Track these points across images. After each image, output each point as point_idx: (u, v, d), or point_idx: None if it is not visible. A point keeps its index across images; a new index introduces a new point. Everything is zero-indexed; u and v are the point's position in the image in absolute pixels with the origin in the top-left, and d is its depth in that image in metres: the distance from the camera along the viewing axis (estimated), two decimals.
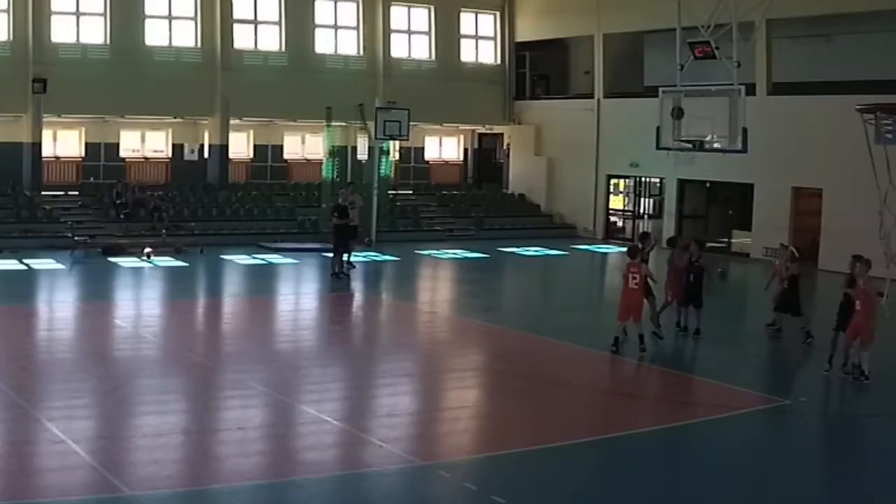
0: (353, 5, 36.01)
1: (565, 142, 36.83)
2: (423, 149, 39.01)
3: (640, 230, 27.71)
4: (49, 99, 30.48)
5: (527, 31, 38.46)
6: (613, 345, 16.68)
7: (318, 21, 35.29)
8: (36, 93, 30.40)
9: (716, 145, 23.99)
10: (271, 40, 34.67)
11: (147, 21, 32.34)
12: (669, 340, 17.83)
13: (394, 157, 35.95)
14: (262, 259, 28.05)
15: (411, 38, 37.38)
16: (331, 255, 24.78)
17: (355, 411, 13.51)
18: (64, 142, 32.92)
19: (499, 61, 38.95)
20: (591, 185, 36.15)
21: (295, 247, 29.47)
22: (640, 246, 17.80)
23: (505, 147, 39.52)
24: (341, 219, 24.62)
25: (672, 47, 24.98)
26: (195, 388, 14.49)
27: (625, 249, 20.30)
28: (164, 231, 29.15)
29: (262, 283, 24.96)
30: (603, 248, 34.06)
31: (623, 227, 37.03)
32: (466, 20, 38.43)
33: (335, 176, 32.80)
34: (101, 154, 33.14)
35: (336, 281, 24.14)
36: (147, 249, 27.15)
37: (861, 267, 15.18)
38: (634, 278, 16.60)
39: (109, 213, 30.66)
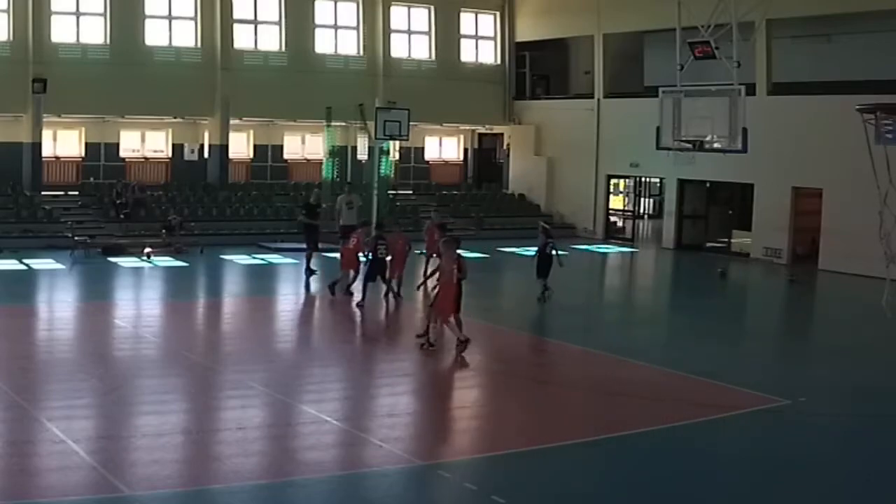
0: (353, 5, 36.00)
1: (565, 142, 36.82)
2: (423, 149, 39.00)
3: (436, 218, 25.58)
4: (49, 99, 30.46)
5: (527, 31, 38.46)
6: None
7: (318, 21, 35.28)
8: (36, 93, 30.38)
9: (716, 145, 24.07)
10: (271, 40, 34.67)
11: (147, 21, 32.32)
12: (667, 338, 17.83)
13: (394, 157, 35.91)
14: (262, 259, 28.05)
15: (411, 38, 37.37)
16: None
17: (355, 411, 13.49)
18: (64, 142, 32.90)
19: (499, 61, 38.94)
20: (591, 185, 36.15)
21: (295, 247, 29.40)
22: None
23: (505, 147, 39.49)
24: (309, 217, 24.76)
25: (672, 47, 25.05)
26: (195, 388, 14.48)
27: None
28: (163, 231, 29.09)
29: (262, 283, 24.97)
30: (603, 248, 34.06)
31: (623, 227, 37.06)
32: (466, 20, 38.42)
33: (335, 176, 32.75)
34: (101, 154, 33.12)
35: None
36: (147, 249, 27.17)
37: (446, 245, 16.44)
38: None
39: (109, 213, 30.66)
